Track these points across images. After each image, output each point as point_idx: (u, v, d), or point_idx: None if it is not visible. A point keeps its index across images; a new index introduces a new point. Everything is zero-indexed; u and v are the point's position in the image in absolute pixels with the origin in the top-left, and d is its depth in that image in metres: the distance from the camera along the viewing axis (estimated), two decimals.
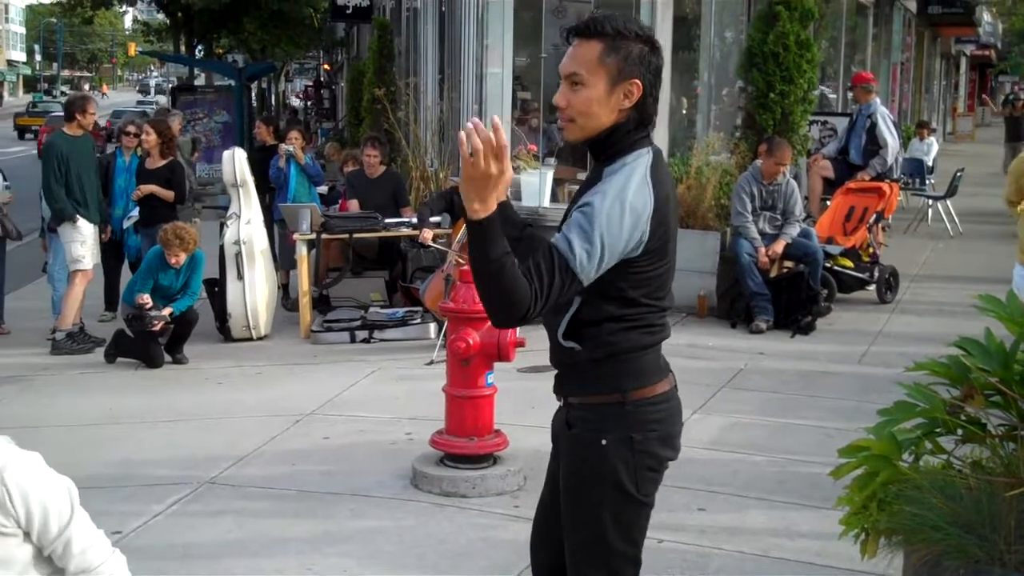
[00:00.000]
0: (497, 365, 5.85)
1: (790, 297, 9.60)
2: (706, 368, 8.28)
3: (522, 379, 7.67)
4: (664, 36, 10.53)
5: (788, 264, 9.75)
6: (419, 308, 9.56)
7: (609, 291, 2.76)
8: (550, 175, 10.82)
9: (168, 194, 9.93)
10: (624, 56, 2.76)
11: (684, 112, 12.23)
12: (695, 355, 8.64)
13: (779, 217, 9.78)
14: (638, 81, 2.76)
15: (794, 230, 9.73)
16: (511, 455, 5.97)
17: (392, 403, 7.54)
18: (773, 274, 9.66)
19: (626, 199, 2.67)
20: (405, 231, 9.91)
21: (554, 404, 3.03)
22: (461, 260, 8.22)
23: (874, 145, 11.58)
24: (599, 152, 2.84)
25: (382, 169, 10.61)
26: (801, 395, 7.68)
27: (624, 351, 2.82)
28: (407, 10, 17.10)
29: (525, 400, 6.97)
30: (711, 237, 10.08)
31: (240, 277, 9.45)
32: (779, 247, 9.64)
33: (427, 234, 9.42)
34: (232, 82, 23.61)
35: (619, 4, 11.13)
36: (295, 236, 9.87)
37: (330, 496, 5.79)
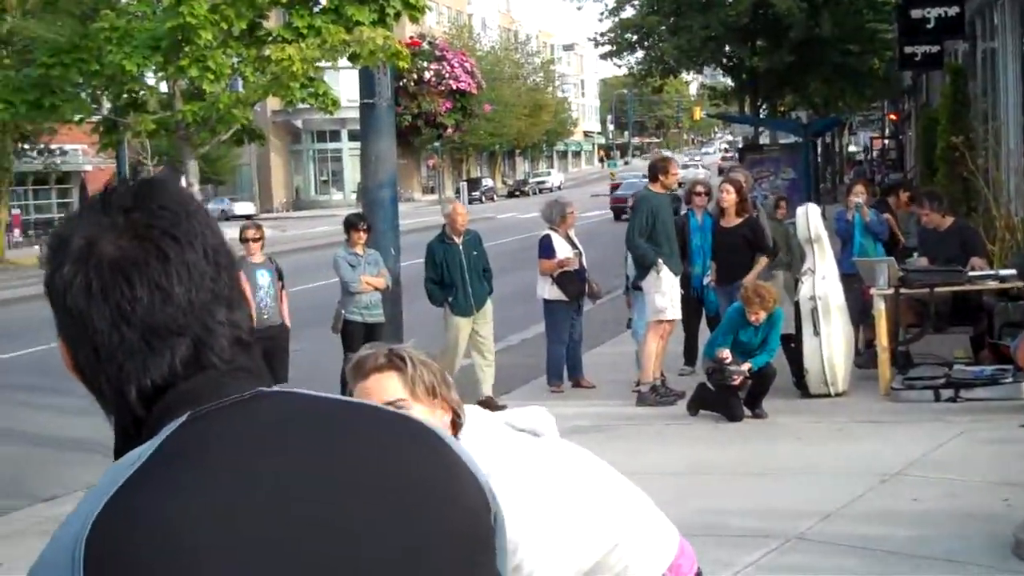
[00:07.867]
0: None
1: None
2: None
3: None
4: None
5: None
6: (1010, 366, 8.96)
7: None
8: None
9: None
10: None
11: None
12: None
13: None
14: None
15: None
16: None
17: (983, 466, 7.12)
18: None
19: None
20: (991, 284, 9.36)
21: None
22: None
23: None
24: None
25: (950, 221, 10.21)
26: None
27: None
28: (982, 52, 16.32)
29: None
30: None
31: (816, 333, 9.42)
32: None
33: None
34: (797, 139, 23.76)
35: None
36: (872, 291, 9.67)
37: (922, 560, 5.58)
